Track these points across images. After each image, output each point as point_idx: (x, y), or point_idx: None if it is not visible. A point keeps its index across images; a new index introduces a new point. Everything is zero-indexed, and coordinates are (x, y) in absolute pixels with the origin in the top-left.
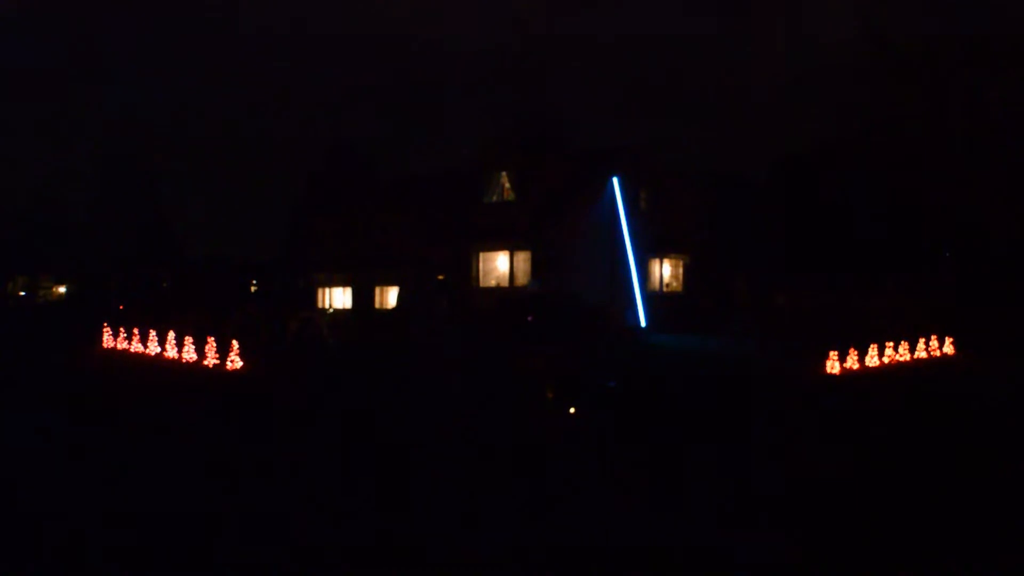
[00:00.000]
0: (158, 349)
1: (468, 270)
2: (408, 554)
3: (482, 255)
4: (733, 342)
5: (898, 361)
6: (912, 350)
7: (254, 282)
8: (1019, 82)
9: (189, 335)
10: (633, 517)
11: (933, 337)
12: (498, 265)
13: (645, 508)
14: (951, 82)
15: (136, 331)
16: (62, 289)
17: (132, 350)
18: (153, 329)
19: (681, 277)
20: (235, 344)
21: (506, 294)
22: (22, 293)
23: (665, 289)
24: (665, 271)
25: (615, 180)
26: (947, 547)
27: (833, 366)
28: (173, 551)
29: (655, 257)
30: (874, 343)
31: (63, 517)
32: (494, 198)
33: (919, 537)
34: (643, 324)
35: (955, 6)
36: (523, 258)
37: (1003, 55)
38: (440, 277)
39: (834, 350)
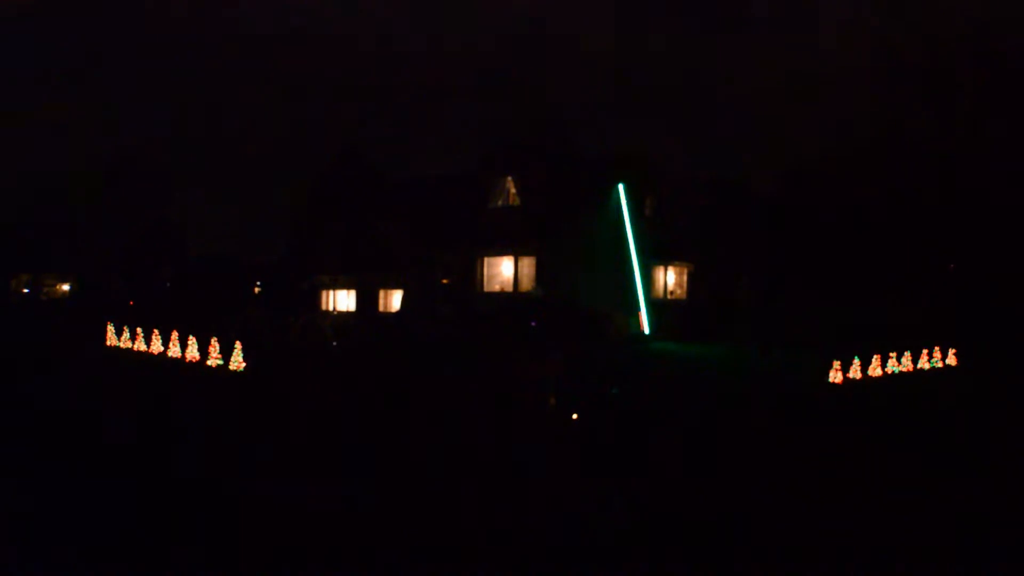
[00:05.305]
0: (161, 348)
1: (472, 274)
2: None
3: (486, 260)
4: (735, 351)
5: (900, 371)
6: (915, 361)
7: (258, 283)
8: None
9: (193, 335)
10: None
11: (936, 348)
12: (502, 270)
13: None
14: (956, 89)
15: (140, 330)
16: (66, 287)
17: (136, 348)
18: (156, 328)
19: (685, 285)
20: (239, 344)
21: (510, 299)
22: (25, 290)
23: (669, 296)
24: (670, 278)
25: (621, 187)
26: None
27: (836, 376)
28: None
29: (659, 264)
30: (876, 354)
31: None
32: (499, 203)
33: None
34: (647, 331)
35: (960, 11)
36: (527, 263)
37: (1008, 60)
38: (444, 281)
39: (836, 360)
